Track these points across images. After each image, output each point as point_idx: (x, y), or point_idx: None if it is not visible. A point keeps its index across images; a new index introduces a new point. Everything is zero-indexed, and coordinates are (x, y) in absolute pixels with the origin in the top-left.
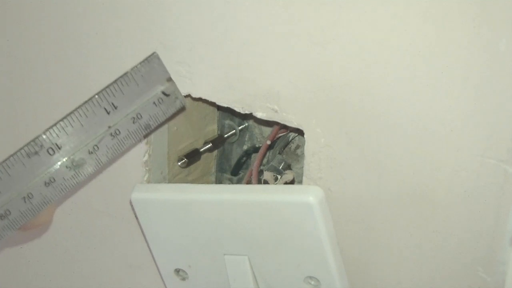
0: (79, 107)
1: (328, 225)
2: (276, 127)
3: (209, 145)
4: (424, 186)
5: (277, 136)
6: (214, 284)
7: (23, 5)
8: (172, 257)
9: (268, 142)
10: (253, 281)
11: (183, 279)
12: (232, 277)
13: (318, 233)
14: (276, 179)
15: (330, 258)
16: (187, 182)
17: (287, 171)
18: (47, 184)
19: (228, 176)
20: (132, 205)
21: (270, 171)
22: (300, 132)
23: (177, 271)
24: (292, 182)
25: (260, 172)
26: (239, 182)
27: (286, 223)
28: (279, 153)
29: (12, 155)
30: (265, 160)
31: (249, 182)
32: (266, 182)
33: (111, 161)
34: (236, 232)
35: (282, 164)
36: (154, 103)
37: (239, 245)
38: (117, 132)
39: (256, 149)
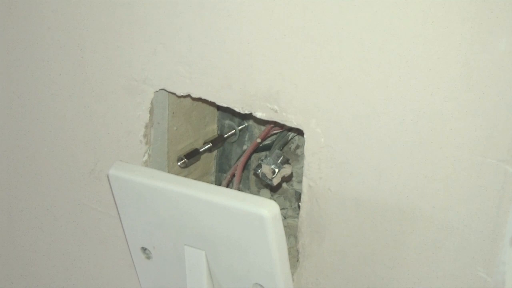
0: None
1: (280, 240)
2: (268, 126)
3: (209, 145)
4: (424, 186)
5: (271, 133)
6: (174, 268)
7: (22, 5)
8: (140, 235)
9: (258, 141)
10: (207, 276)
11: (148, 257)
12: (189, 268)
13: (268, 245)
14: (273, 172)
15: (277, 270)
16: None
17: (285, 165)
18: None
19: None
20: (108, 180)
21: (268, 165)
22: (300, 132)
23: (144, 249)
24: (290, 176)
25: (259, 166)
26: None
27: (241, 230)
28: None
29: None
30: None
31: (233, 176)
32: (264, 176)
33: None
34: (196, 227)
35: (281, 159)
36: None
37: (198, 240)
38: None
39: (255, 149)
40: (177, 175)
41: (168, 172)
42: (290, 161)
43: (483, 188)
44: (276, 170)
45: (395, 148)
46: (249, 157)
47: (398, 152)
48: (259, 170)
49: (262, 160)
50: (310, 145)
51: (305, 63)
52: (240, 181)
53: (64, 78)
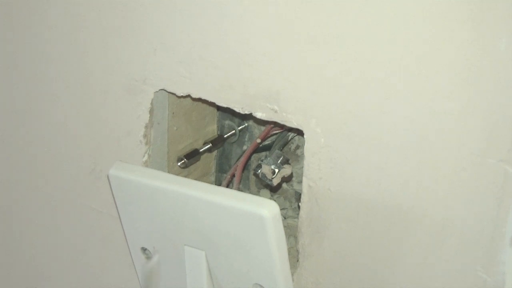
0: None
1: (280, 240)
2: (268, 126)
3: (209, 145)
4: (424, 186)
5: (271, 134)
6: (174, 269)
7: (23, 6)
8: (140, 235)
9: (258, 141)
10: (207, 276)
11: (148, 257)
12: (189, 268)
13: (268, 245)
14: (273, 172)
15: (277, 270)
16: None
17: (285, 165)
18: None
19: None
20: (108, 180)
21: (268, 165)
22: (300, 132)
23: (144, 249)
24: (290, 176)
25: (259, 166)
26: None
27: (241, 231)
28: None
29: None
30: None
31: (233, 176)
32: (264, 176)
33: None
34: (196, 227)
35: (281, 159)
36: None
37: (198, 240)
38: None
39: (255, 149)
40: (177, 175)
41: (168, 172)
42: (290, 161)
43: (483, 188)
44: (276, 170)
45: (395, 148)
46: (249, 157)
47: (398, 152)
48: (259, 170)
49: (262, 160)
50: (310, 145)
51: (305, 63)
52: (240, 181)
53: (64, 78)
